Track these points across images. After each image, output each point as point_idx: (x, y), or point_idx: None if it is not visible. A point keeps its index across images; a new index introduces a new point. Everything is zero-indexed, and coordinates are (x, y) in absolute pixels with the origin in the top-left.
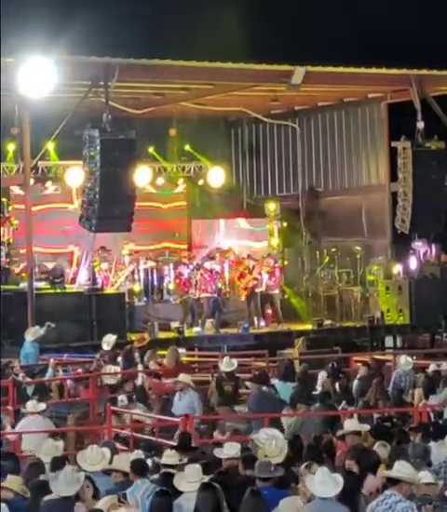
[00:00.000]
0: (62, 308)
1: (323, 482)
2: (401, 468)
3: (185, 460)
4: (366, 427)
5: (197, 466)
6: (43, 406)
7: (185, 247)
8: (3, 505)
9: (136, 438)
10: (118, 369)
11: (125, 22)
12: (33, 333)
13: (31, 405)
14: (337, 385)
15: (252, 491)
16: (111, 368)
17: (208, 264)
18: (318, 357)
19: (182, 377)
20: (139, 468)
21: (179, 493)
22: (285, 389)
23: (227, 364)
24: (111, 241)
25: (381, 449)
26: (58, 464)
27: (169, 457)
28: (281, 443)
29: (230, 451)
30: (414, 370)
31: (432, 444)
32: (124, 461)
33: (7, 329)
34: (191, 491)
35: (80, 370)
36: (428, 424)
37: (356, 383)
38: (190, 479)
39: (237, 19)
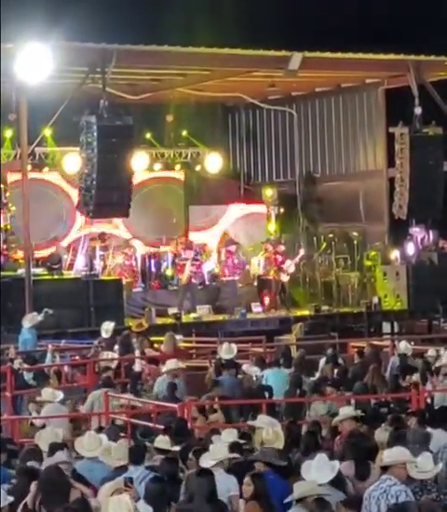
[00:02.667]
0: (60, 294)
1: (318, 468)
2: (388, 454)
3: (177, 447)
4: (359, 413)
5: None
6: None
7: (183, 232)
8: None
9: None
10: (116, 355)
11: (122, 8)
12: (30, 319)
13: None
14: (336, 371)
15: (201, 470)
16: (108, 354)
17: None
18: (316, 342)
19: (176, 363)
20: (135, 455)
21: (176, 480)
22: (279, 376)
23: (227, 350)
24: (109, 227)
25: (383, 433)
26: (55, 450)
27: (162, 442)
28: (278, 430)
29: (228, 437)
30: (412, 356)
31: (430, 430)
32: (124, 447)
33: (5, 315)
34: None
35: (78, 357)
36: (426, 410)
37: (352, 369)
38: (214, 457)
39: (234, 4)
